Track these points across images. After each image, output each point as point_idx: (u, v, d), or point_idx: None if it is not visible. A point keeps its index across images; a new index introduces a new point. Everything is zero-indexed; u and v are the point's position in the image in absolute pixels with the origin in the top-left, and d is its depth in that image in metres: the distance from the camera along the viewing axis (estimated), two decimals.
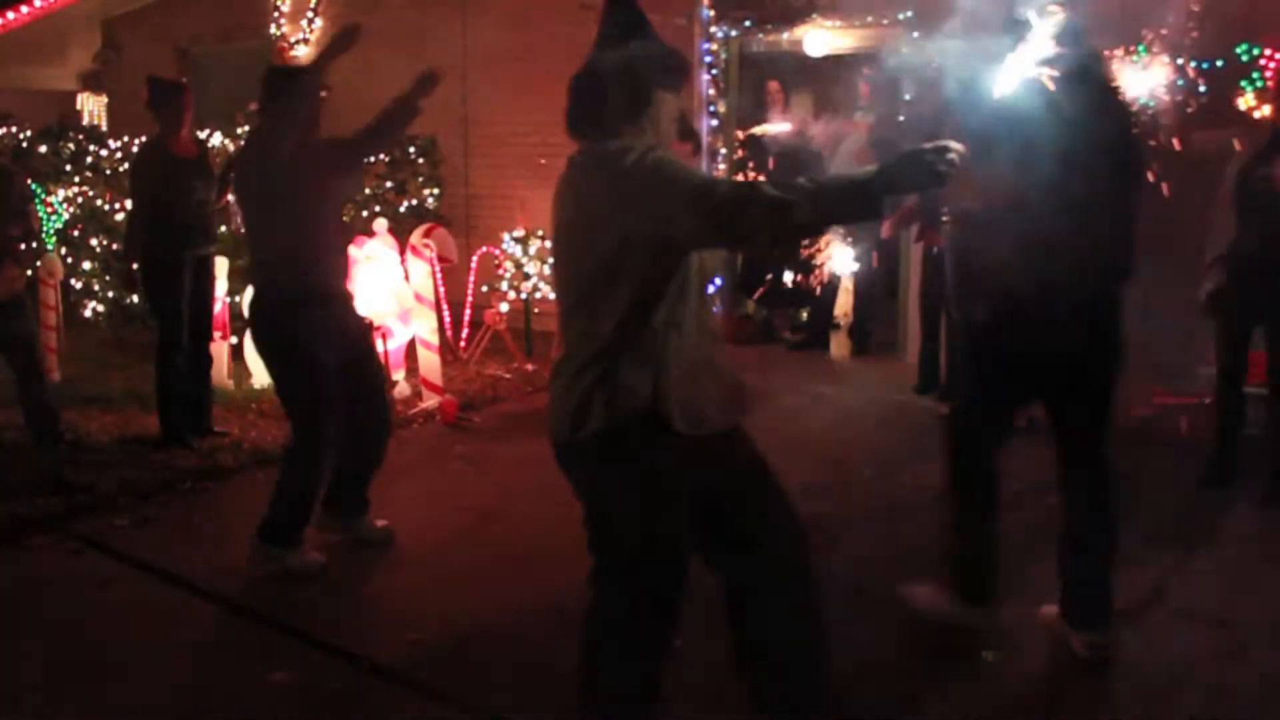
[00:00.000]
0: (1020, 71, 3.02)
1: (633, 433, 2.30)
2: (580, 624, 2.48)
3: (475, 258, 7.64)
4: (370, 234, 6.38)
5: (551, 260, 2.21)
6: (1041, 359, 3.12)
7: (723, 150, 7.18)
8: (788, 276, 7.57)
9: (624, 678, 2.43)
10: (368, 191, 7.76)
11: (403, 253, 6.38)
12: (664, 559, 2.39)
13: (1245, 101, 5.13)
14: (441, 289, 6.94)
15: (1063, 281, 2.95)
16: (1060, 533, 3.29)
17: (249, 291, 6.40)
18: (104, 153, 8.06)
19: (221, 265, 6.05)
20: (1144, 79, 5.14)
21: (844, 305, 7.98)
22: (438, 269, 6.78)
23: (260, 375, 6.46)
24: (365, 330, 4.34)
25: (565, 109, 2.40)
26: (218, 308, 5.99)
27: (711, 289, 2.56)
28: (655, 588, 2.39)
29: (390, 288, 6.23)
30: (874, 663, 3.22)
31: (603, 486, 2.39)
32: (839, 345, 7.81)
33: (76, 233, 7.90)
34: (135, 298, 6.81)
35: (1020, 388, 3.29)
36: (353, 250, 6.31)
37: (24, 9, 10.82)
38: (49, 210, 7.96)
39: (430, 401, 6.11)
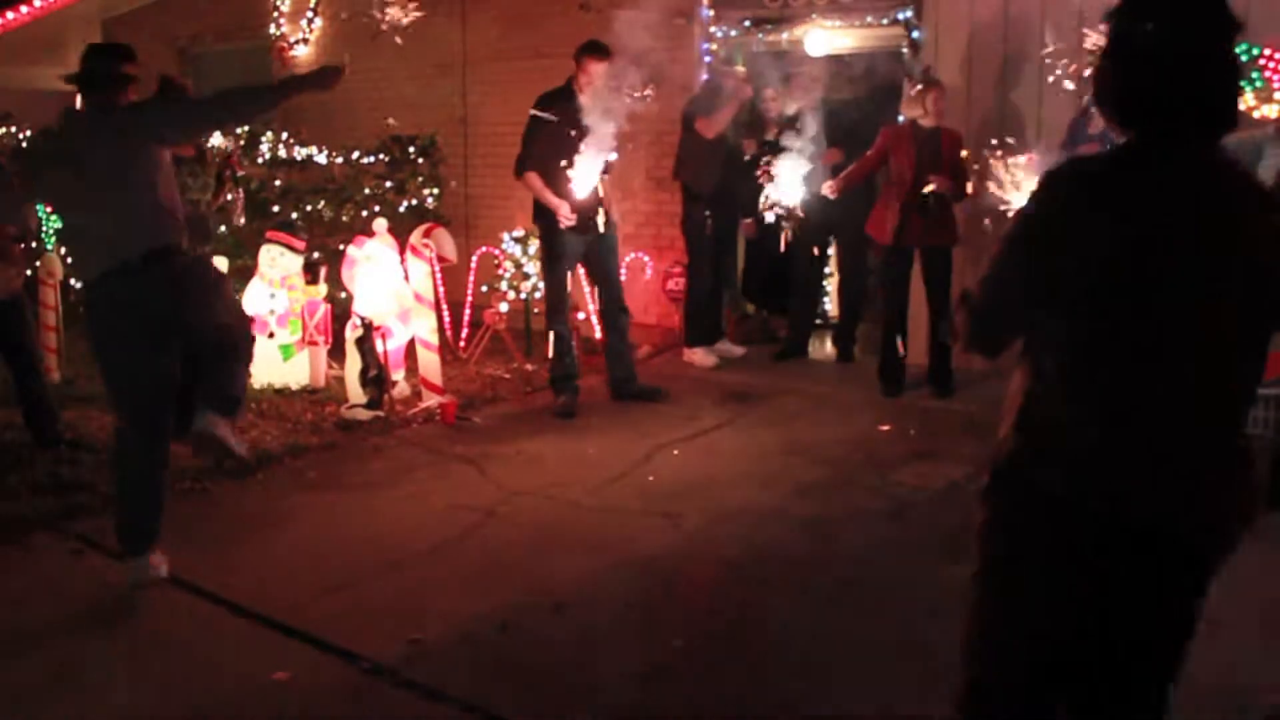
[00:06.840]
0: None
1: None
2: None
3: (475, 258, 7.64)
4: (370, 234, 6.37)
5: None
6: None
7: None
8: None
9: None
10: (367, 191, 7.74)
11: (402, 253, 6.37)
12: None
13: (1245, 101, 5.13)
14: (441, 289, 6.93)
15: None
16: None
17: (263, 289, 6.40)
18: None
19: (221, 265, 6.04)
20: None
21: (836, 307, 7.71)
22: (437, 269, 6.78)
23: (259, 375, 6.45)
24: None
25: (1155, 103, 1.78)
26: None
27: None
28: None
29: (390, 288, 6.23)
30: (872, 659, 3.25)
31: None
32: (823, 353, 7.46)
33: None
34: None
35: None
36: (352, 250, 6.32)
37: (24, 9, 10.81)
38: (48, 210, 7.93)
39: (430, 401, 6.11)
